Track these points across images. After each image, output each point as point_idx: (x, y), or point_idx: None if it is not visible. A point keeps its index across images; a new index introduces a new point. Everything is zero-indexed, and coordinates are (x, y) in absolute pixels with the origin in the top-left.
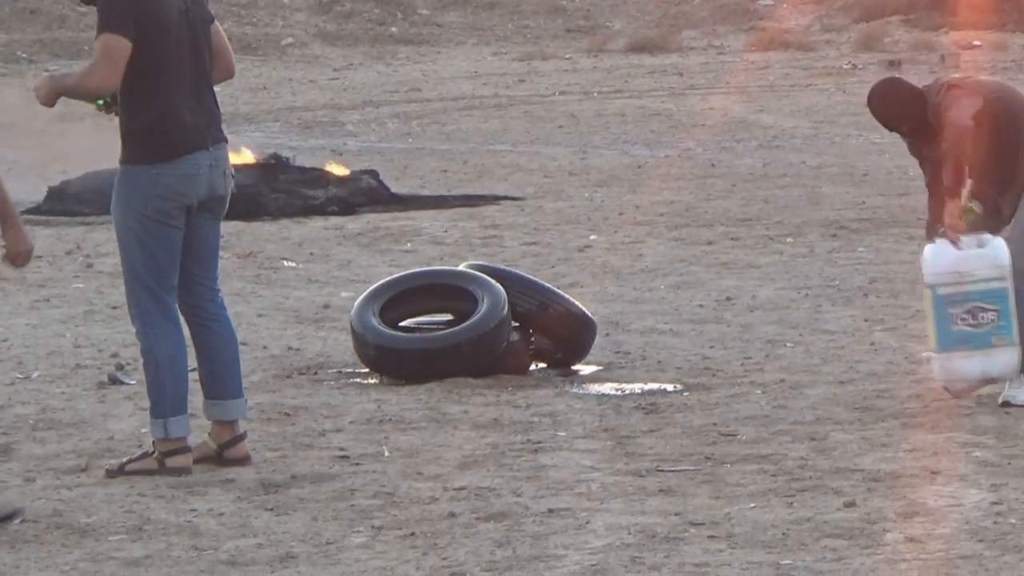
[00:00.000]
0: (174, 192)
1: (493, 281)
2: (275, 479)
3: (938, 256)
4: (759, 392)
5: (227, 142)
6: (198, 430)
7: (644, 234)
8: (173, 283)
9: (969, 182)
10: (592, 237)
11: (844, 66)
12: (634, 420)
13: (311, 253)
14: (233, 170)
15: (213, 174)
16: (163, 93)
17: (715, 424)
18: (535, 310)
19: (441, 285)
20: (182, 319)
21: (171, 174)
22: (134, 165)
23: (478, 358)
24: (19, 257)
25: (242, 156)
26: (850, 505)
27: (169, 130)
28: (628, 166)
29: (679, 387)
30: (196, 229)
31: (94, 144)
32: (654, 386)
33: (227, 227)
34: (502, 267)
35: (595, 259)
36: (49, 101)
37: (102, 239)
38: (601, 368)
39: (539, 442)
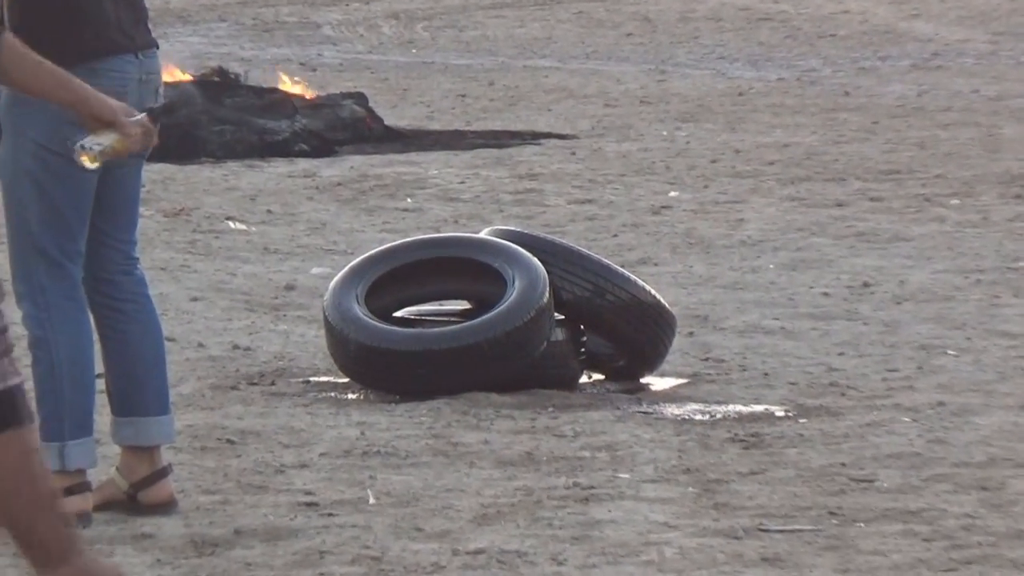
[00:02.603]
0: None
1: (529, 255)
2: (211, 534)
3: None
4: (907, 420)
5: (158, 48)
6: (103, 463)
7: (746, 191)
8: (80, 248)
9: None
10: (672, 194)
11: None
12: (728, 457)
13: (269, 211)
14: (163, 87)
15: (143, 91)
16: None
17: (844, 465)
18: (588, 297)
19: (454, 259)
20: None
21: None
22: None
23: (506, 364)
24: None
25: (171, 71)
26: None
27: (86, 21)
28: (725, 93)
29: (792, 411)
30: (112, 171)
31: None
32: (757, 409)
33: (149, 172)
34: (542, 235)
35: (676, 226)
36: None
37: None
38: (682, 382)
39: (591, 487)
